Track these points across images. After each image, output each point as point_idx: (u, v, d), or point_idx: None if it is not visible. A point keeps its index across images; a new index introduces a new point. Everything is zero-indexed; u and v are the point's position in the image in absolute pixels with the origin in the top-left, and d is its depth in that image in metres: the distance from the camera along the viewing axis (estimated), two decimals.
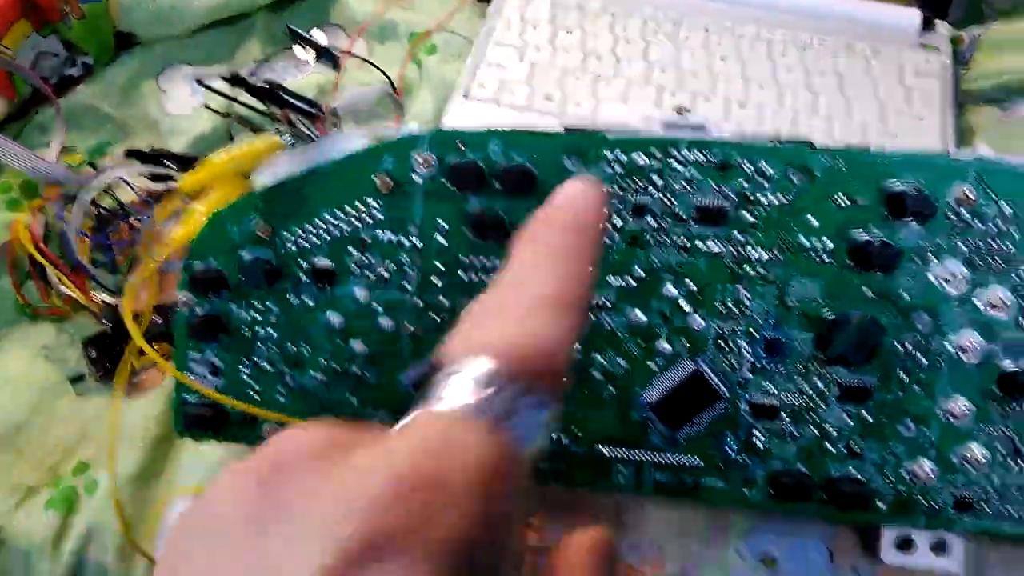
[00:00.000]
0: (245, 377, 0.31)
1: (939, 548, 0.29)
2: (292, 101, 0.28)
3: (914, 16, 0.48)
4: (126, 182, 0.40)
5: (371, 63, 0.48)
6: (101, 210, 0.40)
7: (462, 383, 0.17)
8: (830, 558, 0.32)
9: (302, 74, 0.49)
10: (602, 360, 0.28)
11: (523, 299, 0.18)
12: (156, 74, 0.48)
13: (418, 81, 0.49)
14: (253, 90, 0.27)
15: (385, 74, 0.48)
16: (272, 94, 0.27)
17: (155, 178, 0.39)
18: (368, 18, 0.50)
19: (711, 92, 0.44)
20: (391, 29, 0.51)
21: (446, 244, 0.28)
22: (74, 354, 0.40)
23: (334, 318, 0.29)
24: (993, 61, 0.48)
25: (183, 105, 0.48)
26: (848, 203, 0.26)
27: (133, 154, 0.41)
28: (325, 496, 0.15)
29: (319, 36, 0.51)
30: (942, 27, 0.48)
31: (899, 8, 0.48)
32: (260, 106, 0.29)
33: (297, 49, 0.49)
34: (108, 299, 0.38)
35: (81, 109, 0.46)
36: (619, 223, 0.27)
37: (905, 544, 0.29)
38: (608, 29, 0.47)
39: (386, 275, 0.29)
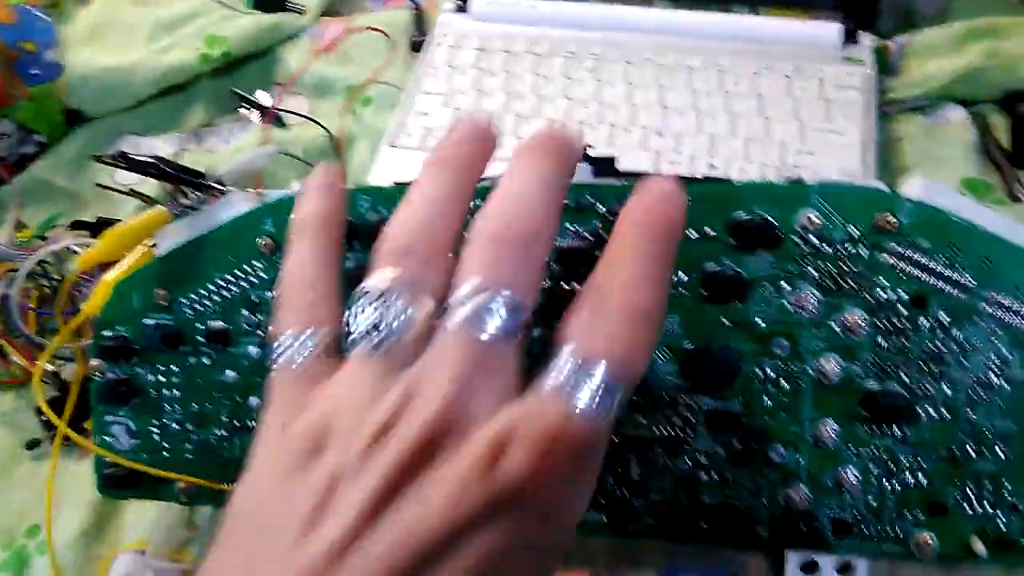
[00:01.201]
0: (156, 437, 0.32)
1: (844, 570, 0.29)
2: (176, 174, 0.30)
3: (834, 30, 0.48)
4: (74, 251, 0.42)
5: (310, 118, 0.50)
6: (52, 282, 0.42)
7: (583, 381, 0.19)
8: None
9: (245, 134, 0.51)
10: None
11: (623, 306, 0.20)
12: (106, 146, 0.51)
13: (357, 133, 0.50)
14: (137, 166, 0.29)
15: (325, 128, 0.50)
16: (156, 168, 0.29)
17: None
18: (306, 76, 0.52)
19: (630, 124, 0.45)
20: (330, 84, 0.53)
21: None
22: (31, 420, 0.42)
23: (231, 376, 0.31)
24: (920, 68, 0.48)
25: (133, 175, 0.50)
26: (698, 235, 0.27)
27: (79, 225, 0.44)
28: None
29: (264, 97, 0.53)
30: (865, 38, 0.48)
31: (819, 23, 0.48)
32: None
33: (242, 111, 0.52)
34: (51, 368, 0.40)
35: (35, 185, 0.49)
36: None
37: (810, 567, 0.29)
38: (531, 70, 0.48)
39: None
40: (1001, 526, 0.26)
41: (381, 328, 0.21)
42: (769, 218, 0.26)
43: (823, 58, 0.47)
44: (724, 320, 0.27)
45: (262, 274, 0.30)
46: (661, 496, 0.28)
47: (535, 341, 0.21)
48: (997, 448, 0.26)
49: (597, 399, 0.19)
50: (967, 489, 0.26)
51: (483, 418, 0.19)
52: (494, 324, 0.20)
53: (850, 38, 0.48)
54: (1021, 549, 0.26)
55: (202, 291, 0.31)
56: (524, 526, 0.18)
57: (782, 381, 0.27)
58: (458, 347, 0.20)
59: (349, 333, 0.21)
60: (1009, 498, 0.26)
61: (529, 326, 0.21)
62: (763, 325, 0.27)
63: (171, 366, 0.31)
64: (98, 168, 0.50)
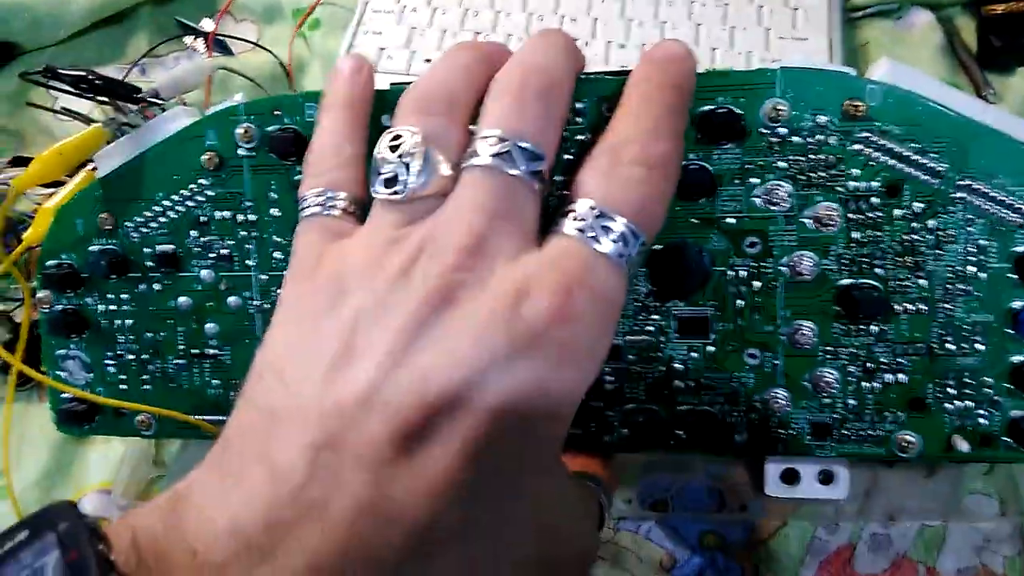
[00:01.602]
0: (112, 369, 0.31)
1: (826, 479, 0.29)
2: (108, 88, 0.28)
3: None
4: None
5: (258, 44, 0.48)
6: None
7: (604, 229, 0.20)
8: (719, 496, 0.31)
9: (192, 63, 0.48)
10: None
11: (640, 157, 0.21)
12: None
13: (308, 57, 0.48)
14: (68, 80, 0.27)
15: (273, 54, 0.48)
16: (87, 83, 0.27)
17: None
18: (252, 1, 0.50)
19: (591, 37, 0.43)
20: (276, 9, 0.50)
21: (280, 215, 0.28)
22: None
23: (184, 302, 0.29)
24: None
25: (76, 106, 0.47)
26: None
27: (20, 161, 0.41)
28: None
29: (209, 25, 0.50)
30: None
31: None
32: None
33: (187, 40, 0.49)
34: (2, 308, 0.38)
35: None
36: None
37: (790, 477, 0.29)
38: None
39: (227, 253, 0.29)
40: (982, 422, 0.26)
41: (400, 180, 0.20)
42: (735, 109, 0.25)
43: None
44: (692, 219, 0.26)
45: (208, 191, 0.29)
46: (635, 405, 0.27)
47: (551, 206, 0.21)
48: (976, 341, 0.26)
49: (619, 246, 0.20)
50: (947, 385, 0.26)
51: (505, 259, 0.19)
52: (514, 168, 0.20)
53: None
54: (1002, 445, 0.26)
55: (147, 213, 0.29)
56: (543, 370, 0.18)
57: (754, 281, 0.26)
58: (479, 187, 0.20)
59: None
60: (989, 392, 0.26)
61: (548, 179, 0.21)
62: (733, 222, 0.26)
63: (121, 294, 0.30)
64: (38, 101, 0.47)
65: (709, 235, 0.26)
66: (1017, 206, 0.25)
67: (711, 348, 0.26)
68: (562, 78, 0.22)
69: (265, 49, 0.47)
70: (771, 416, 0.27)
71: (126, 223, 0.29)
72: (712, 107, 0.25)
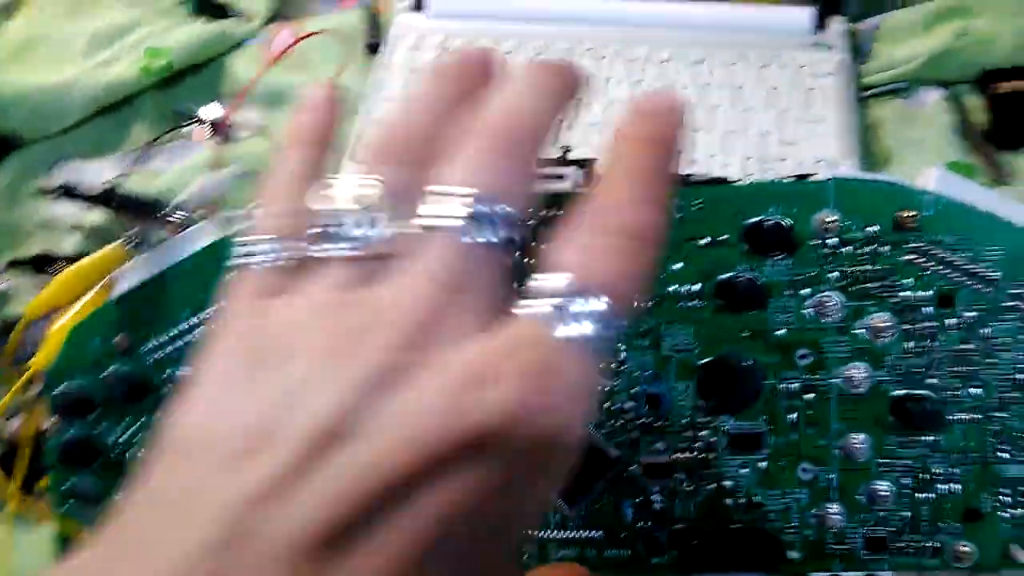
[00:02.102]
0: None
1: None
2: (130, 204, 0.27)
3: (805, 15, 0.47)
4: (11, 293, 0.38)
5: (263, 131, 0.47)
6: None
7: (581, 309, 0.17)
8: None
9: (192, 153, 0.48)
10: None
11: (622, 227, 0.18)
12: (43, 172, 0.47)
13: None
14: (88, 199, 0.26)
15: (280, 140, 0.47)
16: (108, 200, 0.26)
17: None
18: (257, 86, 0.49)
19: (606, 121, 0.43)
20: (283, 93, 0.50)
21: None
22: None
23: None
24: (891, 50, 0.47)
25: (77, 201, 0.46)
26: (710, 241, 0.25)
27: (16, 264, 0.40)
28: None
29: (212, 111, 0.50)
30: (835, 23, 0.47)
31: (789, 9, 0.47)
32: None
33: (187, 128, 0.48)
34: None
35: None
36: None
37: None
38: None
39: None
40: None
41: (358, 237, 0.18)
42: (785, 220, 0.25)
43: (795, 45, 0.46)
44: (742, 331, 0.25)
45: None
46: (686, 525, 0.26)
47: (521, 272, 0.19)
48: None
49: (598, 328, 0.17)
50: (1002, 494, 0.25)
51: (460, 341, 0.17)
52: (487, 235, 0.18)
53: (821, 23, 0.47)
54: None
55: (168, 335, 0.28)
56: (500, 467, 0.16)
57: (807, 394, 0.25)
58: (443, 253, 0.17)
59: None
60: None
61: (518, 244, 0.18)
62: (783, 333, 0.25)
63: (138, 420, 0.29)
64: (37, 197, 0.46)
65: (760, 347, 0.25)
66: None
67: (763, 463, 0.26)
68: (540, 127, 0.20)
69: (271, 135, 0.47)
70: (826, 532, 0.26)
71: (145, 345, 0.28)
72: (763, 219, 0.24)
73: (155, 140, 0.44)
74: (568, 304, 0.17)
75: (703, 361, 0.25)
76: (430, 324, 0.17)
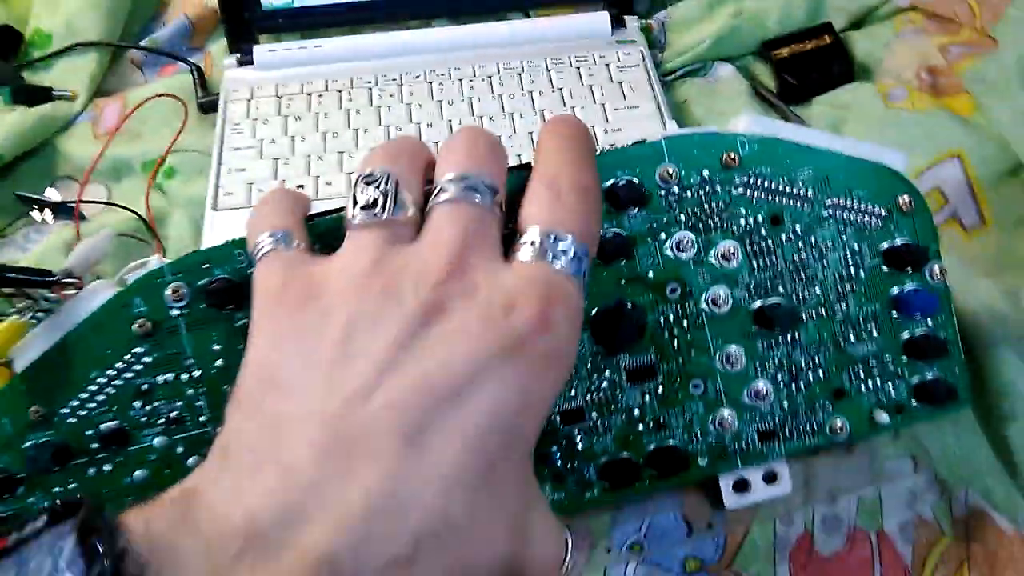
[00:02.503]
0: None
1: (770, 479, 0.32)
2: (17, 277, 0.27)
3: (603, 18, 0.52)
4: None
5: (113, 204, 0.47)
6: None
7: (559, 250, 0.22)
8: (686, 524, 0.34)
9: (44, 237, 0.47)
10: None
11: (573, 185, 0.23)
12: None
13: (167, 207, 0.48)
14: None
15: (131, 210, 0.47)
16: None
17: None
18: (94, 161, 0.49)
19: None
20: (124, 164, 0.50)
21: (226, 364, 0.28)
22: None
23: (140, 475, 0.28)
24: (682, 38, 0.53)
25: None
26: None
27: None
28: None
29: (52, 193, 0.49)
30: (631, 21, 0.53)
31: (589, 15, 0.53)
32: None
33: (34, 213, 0.47)
34: None
35: None
36: None
37: (741, 485, 0.32)
38: (337, 106, 0.48)
39: (177, 415, 0.28)
40: (893, 394, 0.30)
41: (379, 204, 0.22)
42: (633, 179, 0.28)
43: (600, 46, 0.51)
44: (619, 280, 0.29)
45: (146, 359, 0.28)
46: (608, 457, 0.29)
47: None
48: (871, 329, 0.30)
49: (575, 263, 0.22)
50: (858, 372, 0.30)
51: (485, 275, 0.21)
52: (478, 197, 0.22)
53: (618, 23, 0.53)
54: (913, 409, 0.31)
55: (83, 395, 0.28)
56: (529, 372, 0.20)
57: (683, 321, 0.29)
58: (452, 215, 0.22)
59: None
60: (892, 368, 0.30)
61: (503, 209, 0.23)
62: (652, 276, 0.29)
63: (68, 484, 0.28)
64: None
65: (638, 291, 0.29)
66: (875, 211, 0.30)
67: (660, 389, 0.29)
68: (499, 141, 0.25)
69: (123, 207, 0.46)
70: (724, 435, 0.30)
71: (61, 410, 0.28)
72: (614, 180, 0.28)
73: (5, 228, 0.43)
74: (548, 245, 0.22)
75: (592, 313, 0.28)
76: (460, 264, 0.21)
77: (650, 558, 0.33)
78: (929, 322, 0.31)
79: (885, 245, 0.30)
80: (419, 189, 0.23)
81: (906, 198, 0.30)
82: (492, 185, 0.23)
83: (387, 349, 0.20)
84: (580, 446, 0.29)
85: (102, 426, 0.28)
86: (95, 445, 0.28)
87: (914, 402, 0.31)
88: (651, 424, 0.29)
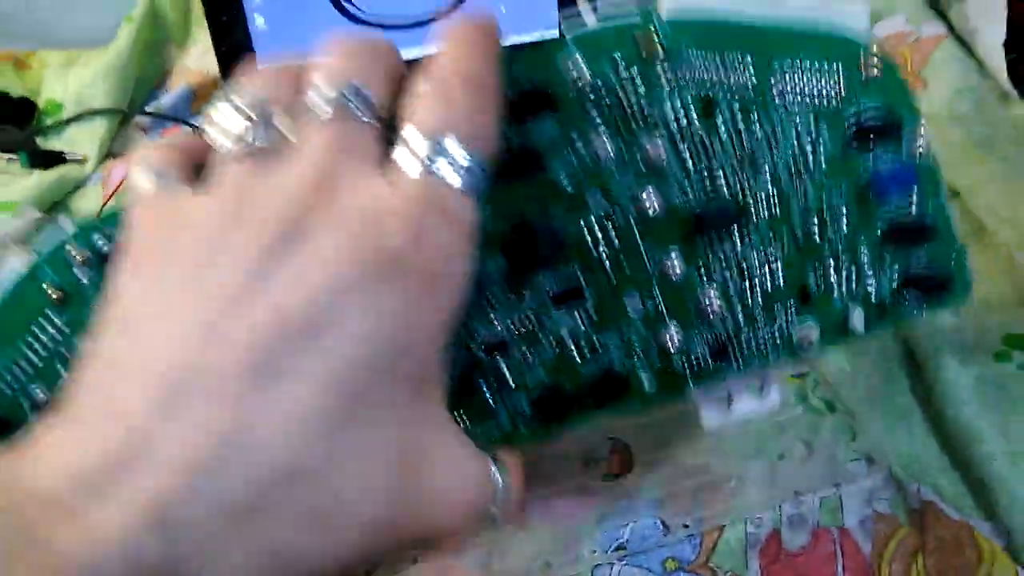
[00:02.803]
0: None
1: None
2: None
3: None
4: None
5: None
6: None
7: (440, 156, 0.20)
8: (663, 525, 0.35)
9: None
10: None
11: (460, 78, 0.22)
12: None
13: None
14: None
15: None
16: None
17: None
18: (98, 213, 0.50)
19: None
20: None
21: None
22: None
23: None
24: None
25: None
26: None
27: None
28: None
29: None
30: None
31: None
32: None
33: None
34: None
35: None
36: None
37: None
38: None
39: None
40: (871, 290, 0.27)
41: (242, 137, 0.21)
42: (538, 80, 0.25)
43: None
44: (533, 195, 0.26)
45: (64, 326, 0.28)
46: (540, 388, 0.27)
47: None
48: (839, 217, 0.26)
49: (462, 170, 0.20)
50: (826, 266, 0.27)
51: (352, 190, 0.20)
52: (350, 107, 0.21)
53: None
54: (891, 309, 0.27)
55: (9, 367, 0.28)
56: (406, 295, 0.19)
57: (610, 232, 0.26)
58: (320, 132, 0.20)
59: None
60: (867, 259, 0.26)
61: (381, 118, 0.21)
62: (571, 187, 0.26)
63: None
64: None
65: (554, 204, 0.26)
66: (832, 83, 0.26)
67: (592, 308, 0.26)
68: (385, 42, 0.22)
69: None
70: (671, 355, 0.27)
71: None
72: (518, 83, 0.25)
73: None
74: (428, 150, 0.20)
75: (505, 232, 0.26)
76: (323, 178, 0.20)
77: (634, 560, 0.34)
78: (913, 202, 0.27)
79: (851, 120, 0.26)
80: (288, 103, 0.21)
81: (872, 60, 0.26)
82: (367, 95, 0.21)
83: (237, 284, 0.18)
84: (509, 377, 0.27)
85: (35, 395, 0.28)
86: (31, 414, 0.28)
87: (904, 292, 0.27)
88: (585, 349, 0.27)
